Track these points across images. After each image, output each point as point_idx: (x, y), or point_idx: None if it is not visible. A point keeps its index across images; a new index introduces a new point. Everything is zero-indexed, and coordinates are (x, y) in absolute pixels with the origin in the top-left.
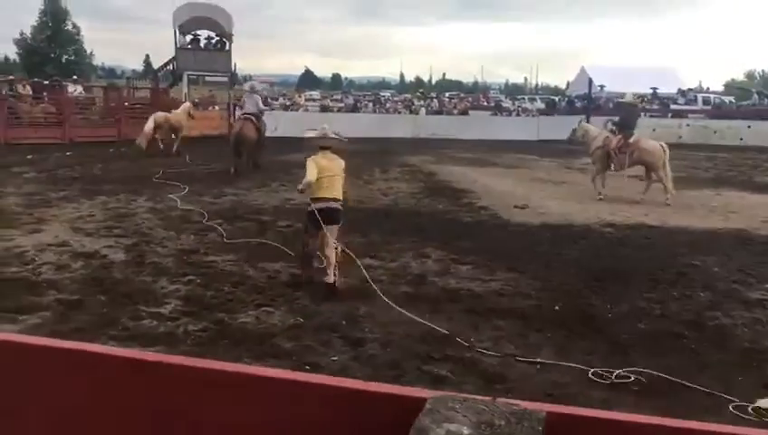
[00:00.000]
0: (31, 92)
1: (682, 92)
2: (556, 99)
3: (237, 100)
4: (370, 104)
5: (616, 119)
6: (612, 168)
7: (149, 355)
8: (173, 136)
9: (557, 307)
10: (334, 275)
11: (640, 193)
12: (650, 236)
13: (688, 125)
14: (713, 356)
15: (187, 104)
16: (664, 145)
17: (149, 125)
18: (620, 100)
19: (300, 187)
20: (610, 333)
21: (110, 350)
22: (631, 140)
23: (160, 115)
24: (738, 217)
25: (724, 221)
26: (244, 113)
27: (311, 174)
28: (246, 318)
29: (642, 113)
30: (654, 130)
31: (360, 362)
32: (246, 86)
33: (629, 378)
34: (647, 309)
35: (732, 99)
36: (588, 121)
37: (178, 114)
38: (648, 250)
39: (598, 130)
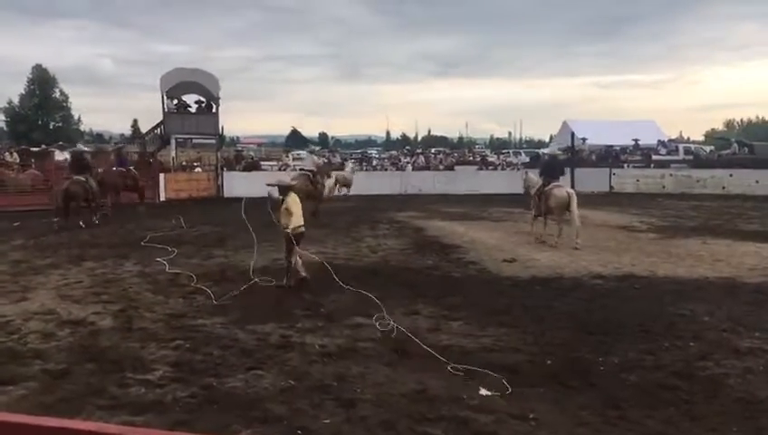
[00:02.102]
0: (18, 160)
1: (663, 143)
2: (540, 152)
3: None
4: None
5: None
6: (540, 212)
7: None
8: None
9: (549, 361)
10: (303, 272)
11: (555, 237)
12: (639, 286)
13: (671, 175)
14: (706, 407)
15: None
16: (570, 192)
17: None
18: (544, 151)
19: (292, 227)
20: (603, 387)
21: (72, 423)
22: (546, 188)
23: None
24: (725, 265)
25: (711, 270)
26: (302, 169)
27: (298, 216)
28: (236, 382)
29: (625, 165)
30: (638, 180)
31: (352, 424)
32: (306, 150)
33: None
34: (638, 361)
35: (712, 148)
36: (572, 174)
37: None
38: (637, 301)
39: (537, 179)
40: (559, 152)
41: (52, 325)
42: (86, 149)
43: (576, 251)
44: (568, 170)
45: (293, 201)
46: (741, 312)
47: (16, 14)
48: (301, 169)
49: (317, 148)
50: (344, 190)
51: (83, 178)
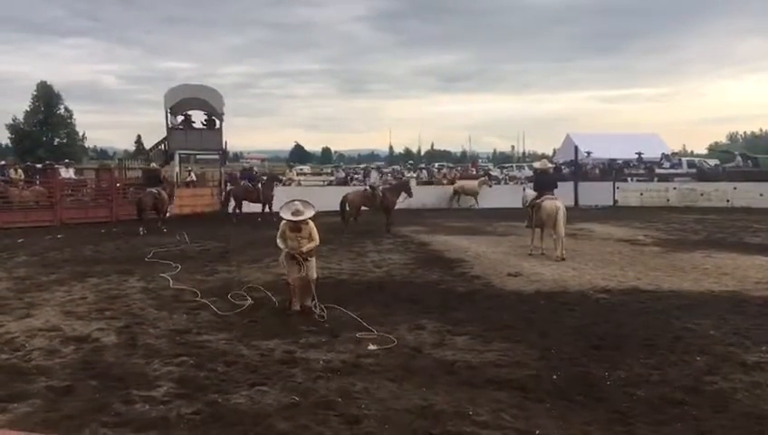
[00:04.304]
0: (23, 176)
1: (666, 157)
2: (533, 166)
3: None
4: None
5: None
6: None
7: None
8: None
9: (555, 376)
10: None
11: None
12: (644, 300)
13: (675, 188)
14: (714, 422)
15: None
16: (559, 205)
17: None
18: (534, 166)
19: (310, 246)
20: (610, 402)
21: None
22: (538, 200)
23: None
24: (731, 278)
25: (717, 283)
26: (370, 185)
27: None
28: (240, 399)
29: (629, 178)
30: (641, 193)
31: None
32: (374, 165)
33: None
34: (645, 375)
35: (716, 161)
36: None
37: None
38: (643, 315)
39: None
40: (550, 165)
41: (56, 342)
42: (156, 166)
43: (581, 265)
44: (571, 184)
45: (313, 227)
46: (747, 325)
47: (22, 33)
48: (369, 185)
49: (380, 164)
50: (472, 202)
51: (155, 191)
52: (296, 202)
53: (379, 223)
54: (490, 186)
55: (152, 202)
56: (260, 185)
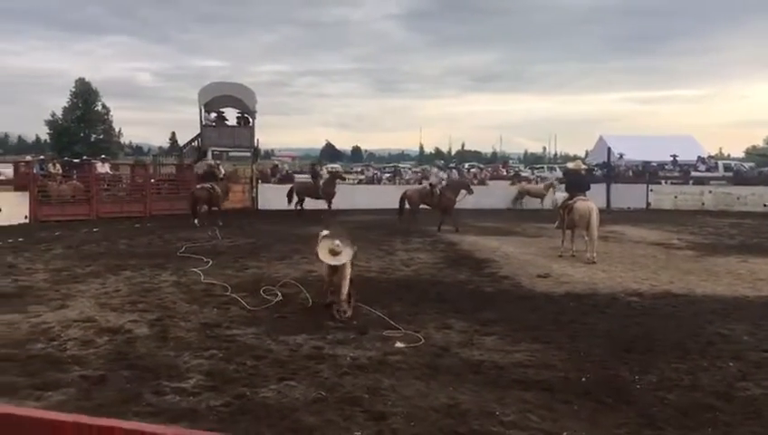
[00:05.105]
0: (60, 171)
1: (702, 159)
2: (565, 167)
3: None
4: (384, 176)
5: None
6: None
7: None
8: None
9: (584, 378)
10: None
11: (571, 250)
12: (677, 304)
13: (710, 192)
14: (745, 429)
15: None
16: (592, 206)
17: None
18: (566, 166)
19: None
20: (640, 405)
21: (112, 422)
22: (570, 202)
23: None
24: (766, 284)
25: (751, 289)
26: (430, 183)
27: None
28: (268, 392)
29: (663, 181)
30: (676, 196)
31: None
32: (435, 164)
33: None
34: (676, 380)
35: (753, 165)
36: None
37: None
38: (675, 319)
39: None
40: (583, 167)
41: (90, 333)
42: (212, 162)
43: (612, 268)
44: (603, 186)
45: (348, 264)
46: None
47: (61, 32)
48: (429, 183)
49: (440, 162)
50: (537, 204)
51: (209, 186)
52: (336, 241)
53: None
54: (556, 190)
55: (207, 196)
56: (321, 182)
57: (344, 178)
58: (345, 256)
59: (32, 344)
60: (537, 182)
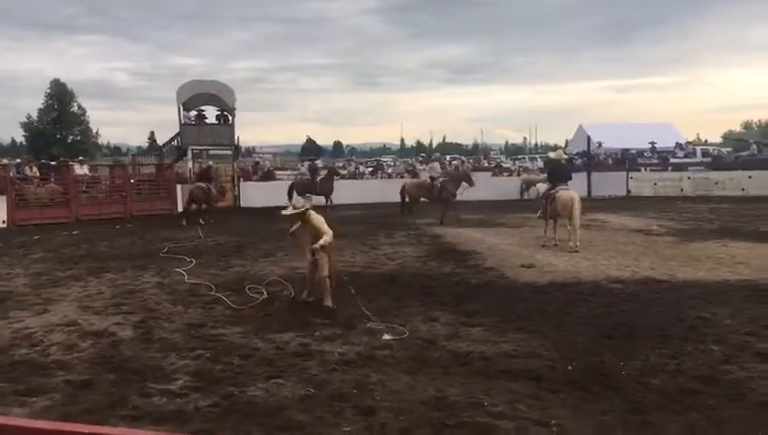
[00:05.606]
0: (38, 174)
1: (680, 146)
2: (546, 157)
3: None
4: (367, 170)
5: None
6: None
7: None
8: None
9: (570, 367)
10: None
11: (554, 239)
12: (659, 290)
13: (689, 178)
14: (730, 411)
15: None
16: (574, 195)
17: None
18: (548, 156)
19: (327, 240)
20: (626, 392)
21: (99, 429)
22: (552, 191)
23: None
24: (746, 267)
25: (732, 273)
26: (430, 176)
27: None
28: (256, 391)
29: (642, 168)
30: (655, 183)
31: (372, 432)
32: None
33: None
34: (660, 365)
35: (730, 149)
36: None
37: None
38: (657, 305)
39: (545, 185)
40: (564, 156)
41: (74, 337)
42: (211, 163)
43: (594, 256)
44: (584, 175)
45: (319, 220)
46: (763, 314)
47: (33, 31)
48: (430, 177)
49: (438, 155)
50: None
51: (204, 186)
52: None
53: (385, 215)
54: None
55: (203, 196)
56: (319, 179)
57: (341, 175)
58: (303, 206)
59: (14, 350)
60: (519, 174)
